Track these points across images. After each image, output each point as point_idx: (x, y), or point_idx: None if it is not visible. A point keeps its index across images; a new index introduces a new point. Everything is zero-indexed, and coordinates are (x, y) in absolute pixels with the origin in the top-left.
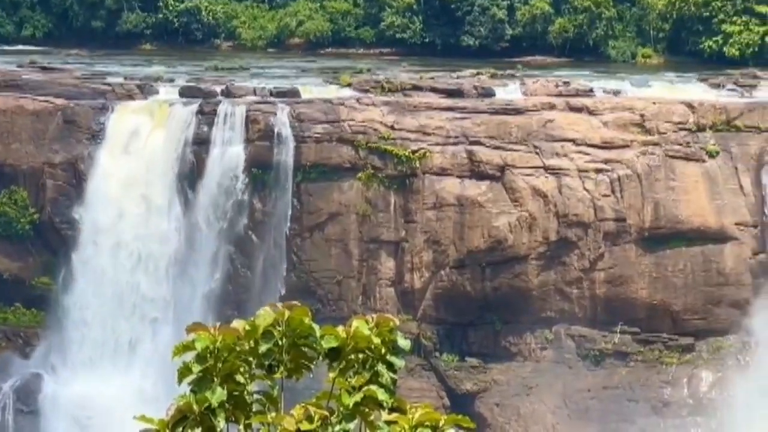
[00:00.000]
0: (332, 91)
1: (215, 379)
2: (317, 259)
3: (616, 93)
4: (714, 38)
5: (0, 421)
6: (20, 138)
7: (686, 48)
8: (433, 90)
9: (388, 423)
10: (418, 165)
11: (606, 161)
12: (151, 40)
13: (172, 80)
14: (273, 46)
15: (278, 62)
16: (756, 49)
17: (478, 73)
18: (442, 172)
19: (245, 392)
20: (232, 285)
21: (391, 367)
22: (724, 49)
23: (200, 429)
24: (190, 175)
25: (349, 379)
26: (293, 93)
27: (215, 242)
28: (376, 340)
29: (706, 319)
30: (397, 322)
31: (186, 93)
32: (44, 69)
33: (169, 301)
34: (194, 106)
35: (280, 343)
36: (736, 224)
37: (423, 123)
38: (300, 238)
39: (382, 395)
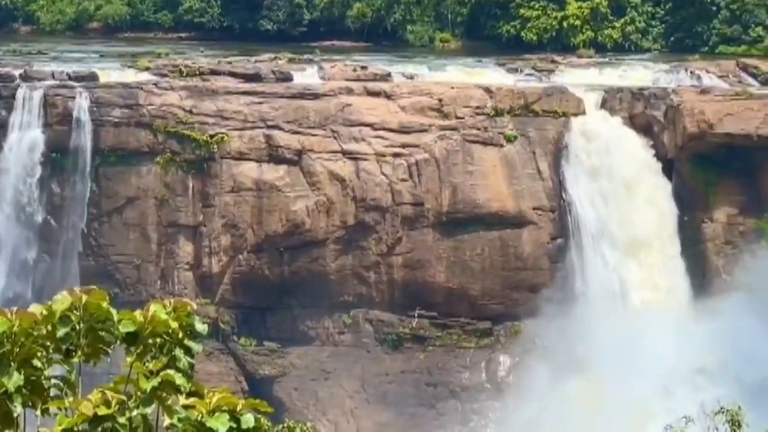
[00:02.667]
0: (131, 76)
1: (12, 364)
2: (115, 243)
3: (414, 77)
4: (512, 23)
5: None
6: None
7: (484, 32)
8: (232, 74)
9: (186, 407)
10: (216, 149)
11: (404, 146)
12: None
13: None
14: (72, 30)
15: (77, 46)
16: (554, 34)
17: (276, 58)
18: (240, 157)
19: (42, 377)
20: (31, 270)
21: (188, 351)
22: (522, 33)
23: None
24: None
25: (146, 364)
26: (92, 77)
27: (14, 227)
28: (174, 325)
29: (503, 303)
30: (195, 307)
31: None
32: None
33: None
34: None
35: (77, 327)
36: (534, 209)
37: (221, 107)
38: (98, 222)
39: (179, 379)
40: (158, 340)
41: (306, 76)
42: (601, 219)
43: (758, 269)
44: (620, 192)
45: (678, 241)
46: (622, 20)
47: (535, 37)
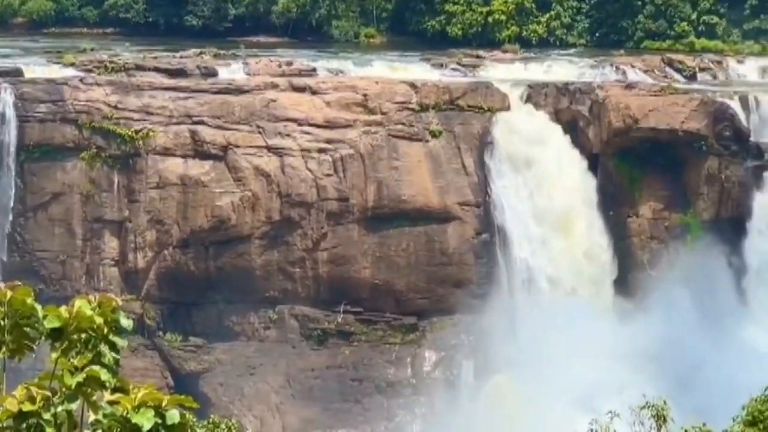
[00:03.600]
0: (56, 71)
1: None
2: (40, 239)
3: (339, 73)
4: (437, 18)
5: None
6: None
7: (409, 28)
8: (157, 70)
9: (111, 403)
10: (141, 145)
11: (329, 141)
12: None
13: None
14: None
15: (1, 42)
16: (479, 29)
17: (201, 53)
18: (166, 152)
19: None
20: None
21: (113, 347)
22: (447, 29)
23: None
24: None
25: (71, 360)
26: (16, 73)
27: None
28: (99, 320)
29: (429, 298)
30: (120, 302)
31: None
32: None
33: None
34: None
35: (2, 323)
36: (459, 204)
37: (146, 103)
38: (23, 218)
39: (104, 375)
40: (83, 335)
41: (231, 72)
42: (526, 214)
43: (683, 264)
44: (545, 187)
45: (604, 236)
46: (547, 15)
47: (460, 33)
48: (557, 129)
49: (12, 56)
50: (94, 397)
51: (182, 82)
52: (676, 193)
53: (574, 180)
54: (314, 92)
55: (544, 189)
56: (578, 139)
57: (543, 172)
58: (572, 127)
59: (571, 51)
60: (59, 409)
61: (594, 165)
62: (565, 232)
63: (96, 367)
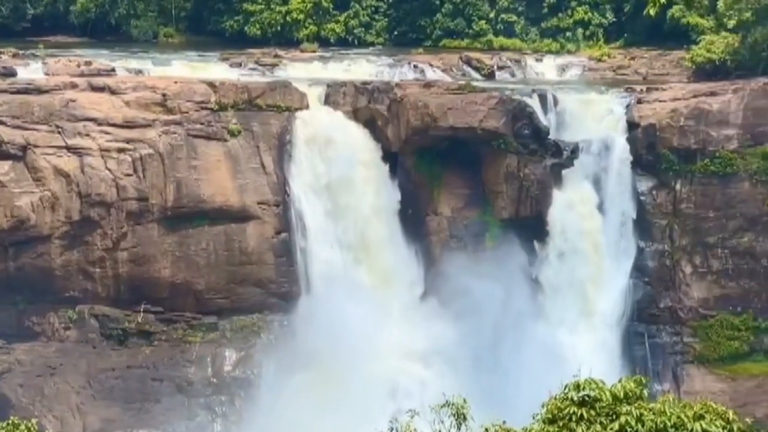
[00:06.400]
0: None
1: None
2: None
3: (139, 73)
4: (235, 17)
5: None
6: None
7: (208, 27)
8: None
9: None
10: None
11: (128, 141)
12: None
13: None
14: None
15: None
16: (278, 28)
17: None
18: None
19: None
20: None
21: None
22: (246, 28)
23: None
24: None
25: None
26: None
27: None
28: None
29: (229, 298)
30: None
31: None
32: None
33: None
34: None
35: None
36: (259, 203)
37: None
38: None
39: None
40: None
41: (30, 71)
42: (325, 213)
43: (482, 262)
44: (344, 186)
45: (403, 234)
46: (345, 14)
47: (258, 32)
48: (356, 128)
49: None
50: None
51: None
52: (476, 192)
53: (373, 179)
54: (113, 92)
55: (343, 188)
56: (377, 138)
57: (341, 170)
58: (371, 126)
59: (370, 50)
60: None
61: (393, 164)
62: (365, 231)
63: None
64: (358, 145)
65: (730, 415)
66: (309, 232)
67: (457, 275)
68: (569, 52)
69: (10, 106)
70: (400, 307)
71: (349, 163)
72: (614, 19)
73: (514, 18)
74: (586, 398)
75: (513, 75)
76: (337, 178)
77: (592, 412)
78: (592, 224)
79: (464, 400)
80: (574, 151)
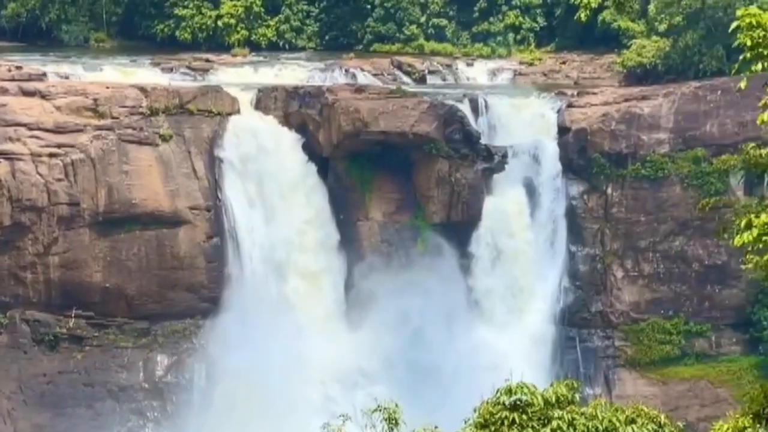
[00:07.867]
0: None
1: None
2: None
3: (70, 77)
4: (166, 22)
5: None
6: None
7: (139, 32)
8: None
9: None
10: None
11: (60, 146)
12: None
13: None
14: None
15: None
16: (209, 33)
17: None
18: None
19: None
20: None
21: None
22: (177, 33)
23: None
24: None
25: None
26: None
27: None
28: None
29: (160, 302)
30: None
31: None
32: None
33: None
34: None
35: None
36: (190, 208)
37: None
38: None
39: None
40: None
41: None
42: (257, 218)
43: (414, 267)
44: (274, 191)
45: (335, 239)
46: (276, 19)
47: (189, 37)
48: (287, 132)
49: None
50: None
51: None
52: (408, 196)
53: (304, 183)
54: (44, 96)
55: (274, 193)
56: (308, 143)
57: (273, 175)
58: (302, 131)
59: (301, 54)
60: None
61: (324, 168)
62: (296, 236)
63: None
64: (289, 149)
65: (662, 418)
66: (240, 237)
67: (388, 280)
68: (500, 56)
69: None
70: (327, 313)
71: (280, 167)
72: (545, 24)
73: (445, 22)
74: (518, 402)
75: (444, 79)
76: (269, 184)
77: (524, 417)
78: (523, 229)
79: (396, 405)
80: (505, 155)
